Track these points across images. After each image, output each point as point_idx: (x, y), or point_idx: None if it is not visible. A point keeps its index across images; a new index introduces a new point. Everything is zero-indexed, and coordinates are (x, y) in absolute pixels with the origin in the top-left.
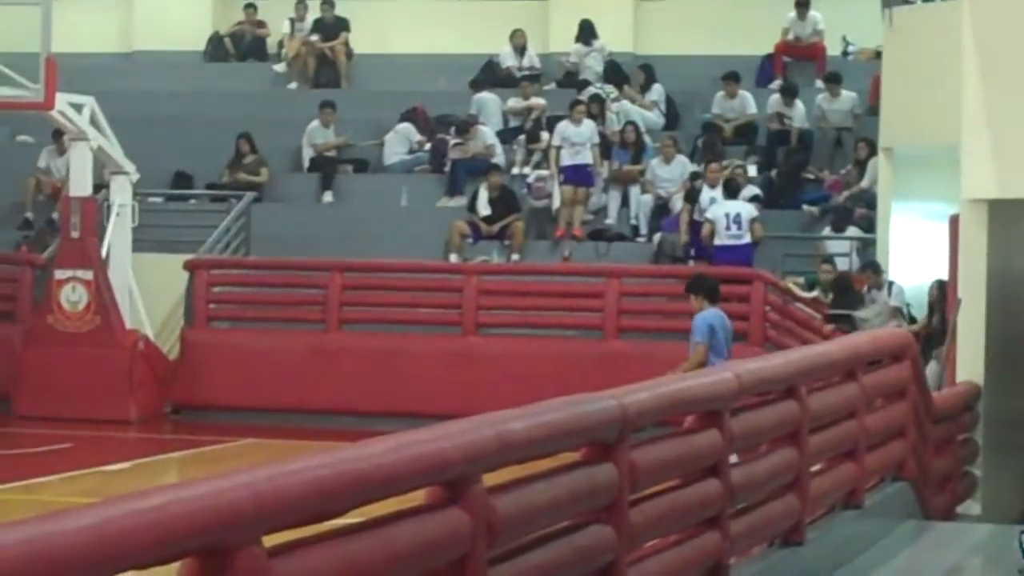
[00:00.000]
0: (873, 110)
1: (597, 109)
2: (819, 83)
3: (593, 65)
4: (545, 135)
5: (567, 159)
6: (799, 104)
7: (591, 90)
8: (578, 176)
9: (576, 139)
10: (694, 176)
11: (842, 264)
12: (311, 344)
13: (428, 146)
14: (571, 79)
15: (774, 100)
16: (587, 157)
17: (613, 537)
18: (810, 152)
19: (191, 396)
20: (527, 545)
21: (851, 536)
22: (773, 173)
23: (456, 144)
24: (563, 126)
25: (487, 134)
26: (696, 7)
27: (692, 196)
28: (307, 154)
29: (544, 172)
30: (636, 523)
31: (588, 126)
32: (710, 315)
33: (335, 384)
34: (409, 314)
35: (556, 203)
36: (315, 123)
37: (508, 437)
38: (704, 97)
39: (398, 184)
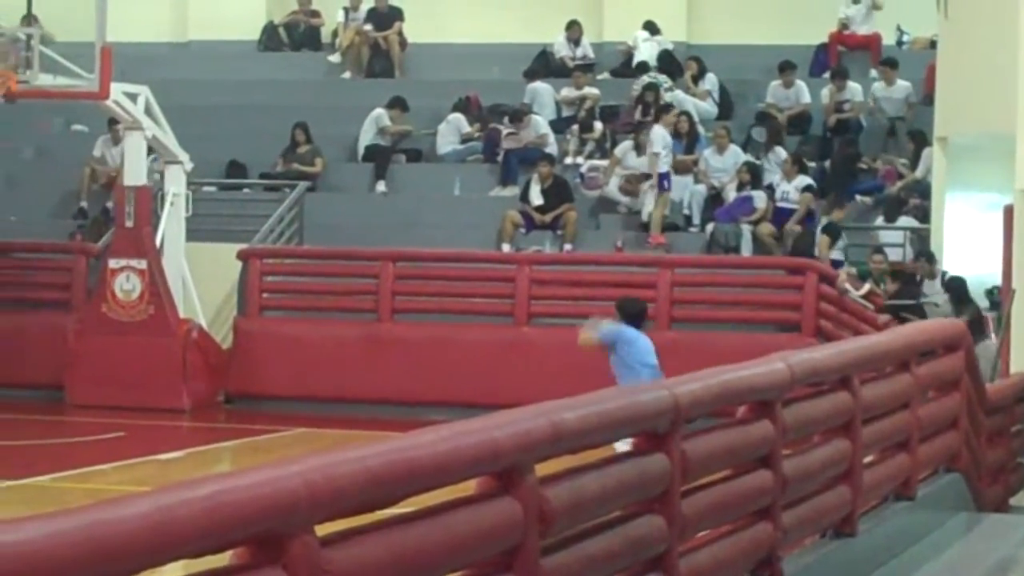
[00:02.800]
0: (928, 99)
1: (651, 98)
2: (873, 72)
3: (649, 55)
4: (598, 125)
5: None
6: (853, 90)
7: (645, 79)
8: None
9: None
10: (750, 166)
11: (895, 255)
12: (363, 333)
13: (481, 136)
14: (625, 69)
15: (828, 90)
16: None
17: (665, 527)
18: (864, 142)
19: (244, 385)
20: (579, 535)
21: (903, 528)
22: (827, 163)
23: (509, 134)
24: (661, 132)
25: (540, 124)
26: None
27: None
28: (366, 140)
29: (598, 162)
30: (688, 514)
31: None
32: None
33: (387, 373)
34: (461, 304)
35: (648, 206)
36: (380, 111)
37: (561, 427)
38: (758, 87)
39: (451, 174)
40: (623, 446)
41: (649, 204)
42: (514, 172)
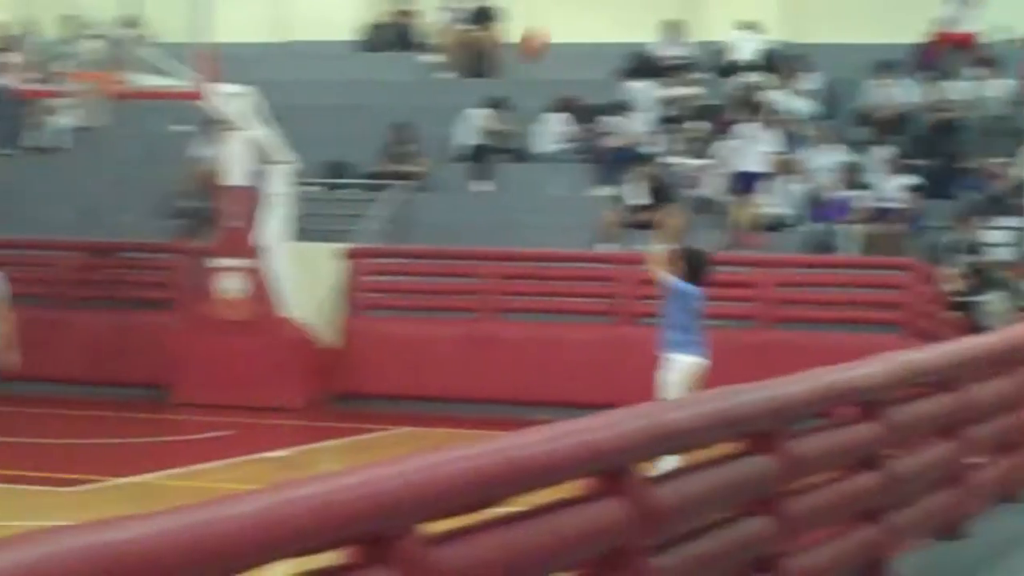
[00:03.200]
0: None
1: (749, 98)
2: (973, 70)
3: (749, 54)
4: (696, 124)
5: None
6: (953, 88)
7: (743, 79)
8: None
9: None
10: (851, 165)
11: (998, 255)
12: (466, 333)
13: (580, 135)
14: (723, 68)
15: (928, 88)
16: None
17: (771, 528)
18: (967, 141)
19: (349, 384)
20: (686, 535)
21: (1011, 531)
22: (930, 162)
23: (608, 133)
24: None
25: (640, 123)
26: None
27: None
28: (467, 140)
29: (697, 162)
30: (794, 515)
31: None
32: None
33: (490, 373)
34: (564, 303)
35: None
36: (480, 110)
37: (665, 427)
38: (858, 86)
39: (550, 173)
40: (670, 463)
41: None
42: (614, 172)
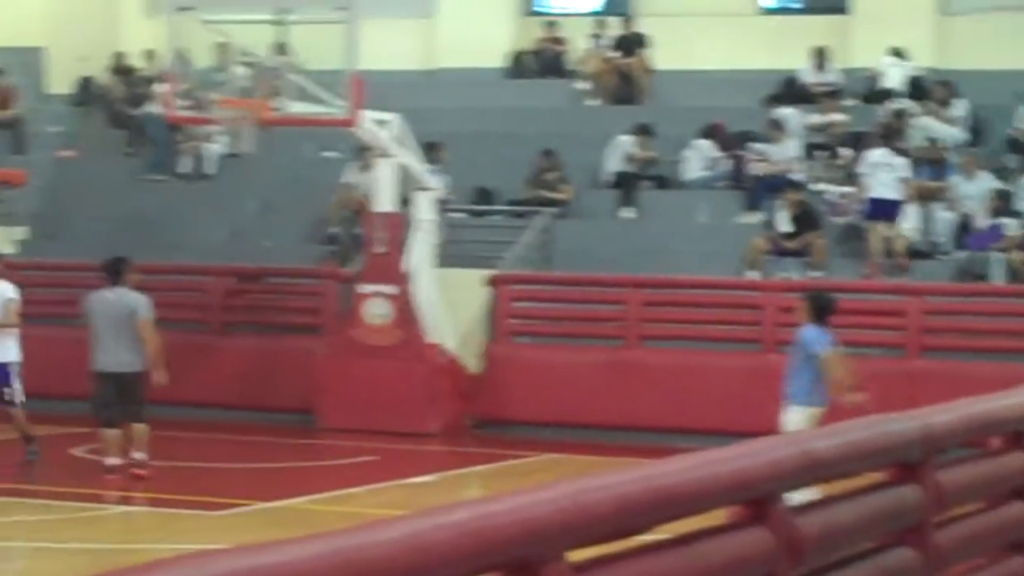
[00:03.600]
0: None
1: (899, 124)
2: None
3: (896, 80)
4: (845, 151)
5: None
6: None
7: (892, 105)
8: None
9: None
10: (1001, 193)
11: None
12: (610, 360)
13: (728, 162)
14: (872, 95)
15: None
16: None
17: (918, 560)
18: None
19: (492, 410)
20: (831, 566)
21: None
22: None
23: (756, 160)
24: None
25: (788, 150)
26: (1001, 21)
27: None
28: (613, 166)
29: (846, 189)
30: (942, 546)
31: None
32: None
33: (633, 400)
34: (708, 331)
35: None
36: (626, 137)
37: (812, 456)
38: (1008, 112)
39: (697, 200)
40: (803, 496)
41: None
42: (761, 199)
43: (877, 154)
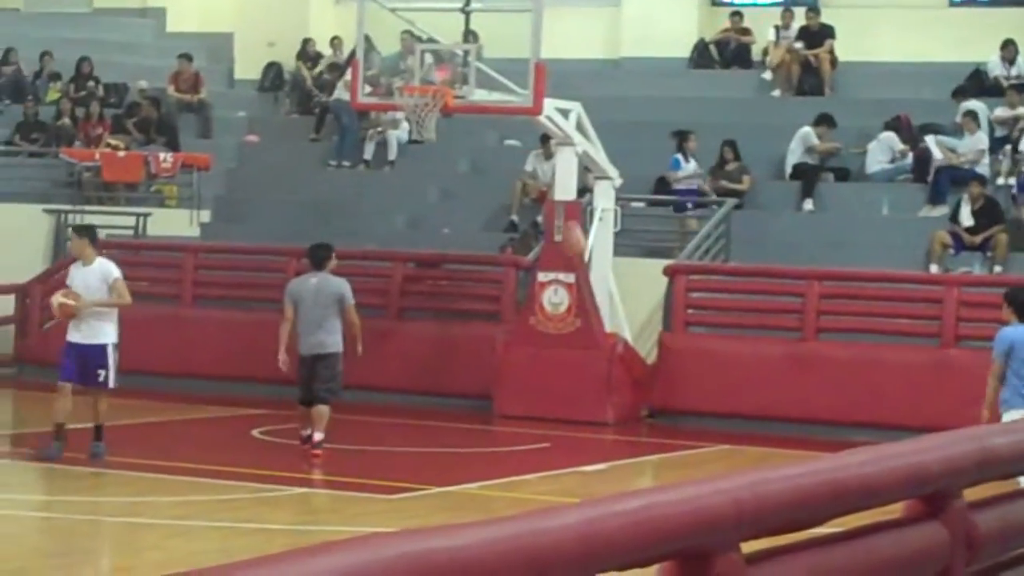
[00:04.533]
0: None
1: None
2: None
3: None
4: None
5: None
6: None
7: None
8: None
9: None
10: None
11: None
12: (787, 352)
13: (911, 155)
14: None
15: None
16: None
17: None
18: None
19: (667, 400)
20: (1005, 564)
21: None
22: None
23: (941, 153)
24: None
25: (975, 143)
26: None
27: None
28: (794, 158)
29: None
30: None
31: None
32: (1011, 331)
33: (810, 392)
34: (887, 324)
35: None
36: (808, 128)
37: (991, 452)
38: None
39: (879, 193)
40: None
41: None
42: (944, 192)
43: None
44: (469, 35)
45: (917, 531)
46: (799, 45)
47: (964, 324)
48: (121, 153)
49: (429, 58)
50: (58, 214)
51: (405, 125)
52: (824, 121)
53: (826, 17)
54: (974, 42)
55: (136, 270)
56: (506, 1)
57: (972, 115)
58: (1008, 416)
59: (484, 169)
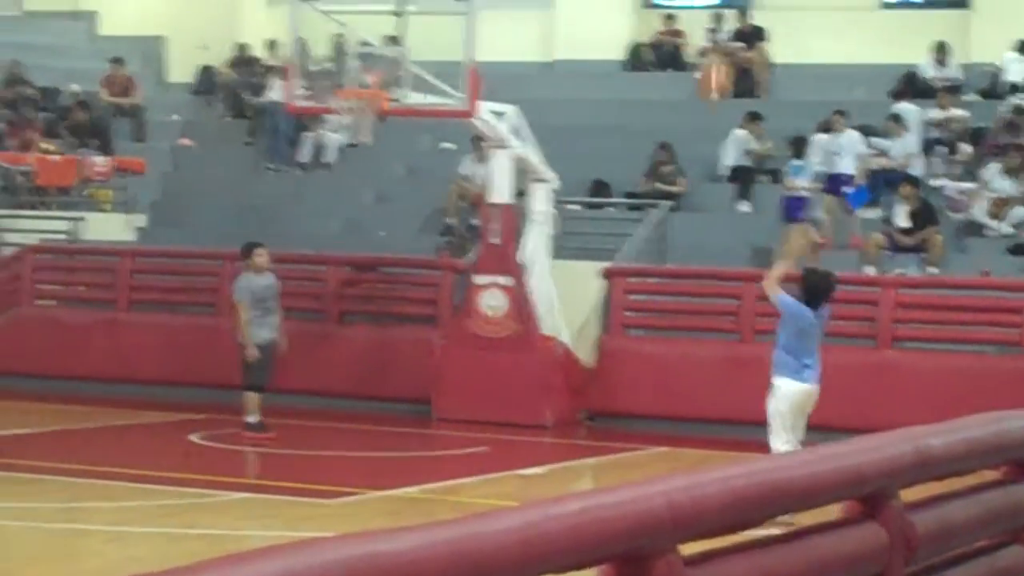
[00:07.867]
0: None
1: (1020, 120)
2: None
3: (1018, 76)
4: (965, 147)
5: None
6: None
7: (1014, 101)
8: None
9: None
10: None
11: None
12: (725, 354)
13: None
14: (993, 90)
15: None
16: None
17: None
18: None
19: (605, 403)
20: (943, 564)
21: None
22: None
23: (873, 155)
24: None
25: (907, 145)
26: None
27: None
28: (728, 160)
29: (964, 185)
30: None
31: None
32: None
33: (747, 394)
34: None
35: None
36: (741, 131)
37: (926, 453)
38: None
39: (813, 194)
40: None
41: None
42: (879, 194)
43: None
44: (403, 39)
45: (855, 532)
46: (733, 47)
47: (900, 325)
48: (55, 157)
49: (363, 62)
50: None
51: (341, 128)
52: (753, 117)
53: (758, 20)
54: (906, 44)
55: (72, 275)
56: (440, 4)
57: (896, 118)
58: (784, 382)
59: (419, 172)
